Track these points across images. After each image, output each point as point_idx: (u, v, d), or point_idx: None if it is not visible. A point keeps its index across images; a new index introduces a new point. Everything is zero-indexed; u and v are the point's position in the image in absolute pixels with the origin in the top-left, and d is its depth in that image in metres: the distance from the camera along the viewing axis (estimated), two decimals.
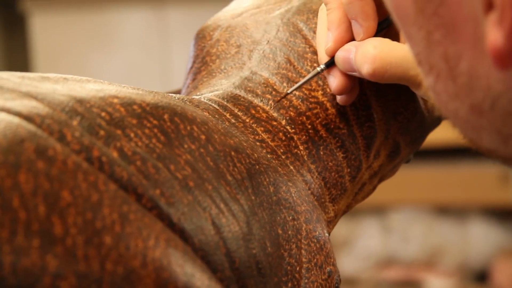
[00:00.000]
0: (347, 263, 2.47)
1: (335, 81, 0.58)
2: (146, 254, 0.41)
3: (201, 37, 0.66)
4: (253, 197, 0.51)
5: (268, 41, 0.62)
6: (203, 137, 0.50)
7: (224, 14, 0.67)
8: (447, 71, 0.40)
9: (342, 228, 2.47)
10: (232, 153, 0.51)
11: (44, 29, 2.53)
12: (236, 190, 0.50)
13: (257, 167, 0.53)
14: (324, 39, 0.59)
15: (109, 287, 0.39)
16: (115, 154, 0.44)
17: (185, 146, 0.48)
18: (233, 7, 0.68)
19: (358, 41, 0.57)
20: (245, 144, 0.54)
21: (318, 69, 0.59)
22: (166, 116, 0.49)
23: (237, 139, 0.53)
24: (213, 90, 0.60)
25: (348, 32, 0.58)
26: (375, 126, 0.61)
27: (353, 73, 0.57)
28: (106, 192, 0.41)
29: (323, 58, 0.59)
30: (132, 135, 0.46)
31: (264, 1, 0.66)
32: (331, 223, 0.59)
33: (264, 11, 0.65)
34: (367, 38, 0.56)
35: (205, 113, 0.54)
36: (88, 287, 0.39)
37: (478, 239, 2.39)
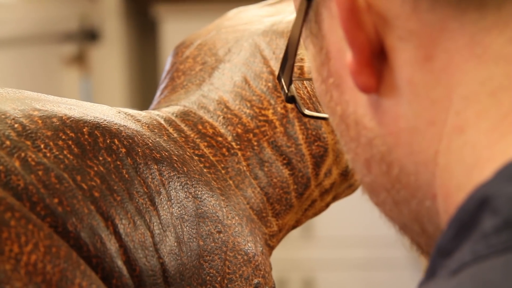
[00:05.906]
0: None
1: None
2: (20, 258, 0.45)
3: (175, 54, 0.69)
4: (172, 209, 0.54)
5: (230, 60, 0.65)
6: (123, 150, 0.53)
7: (200, 32, 0.70)
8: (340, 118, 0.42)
9: None
10: (155, 166, 0.54)
11: (175, 35, 2.63)
12: (152, 201, 0.53)
13: (182, 180, 0.55)
14: None
15: None
16: (16, 164, 0.48)
17: (100, 158, 0.52)
18: (216, 24, 0.70)
19: None
20: (175, 158, 0.56)
21: None
22: (85, 130, 0.52)
23: (166, 153, 0.56)
24: (170, 105, 0.63)
25: None
26: (325, 145, 0.62)
27: None
28: None
29: None
30: (42, 146, 0.50)
31: (239, 19, 0.68)
32: (274, 237, 0.61)
33: (236, 30, 0.67)
34: None
35: (143, 128, 0.57)
36: None
37: None
